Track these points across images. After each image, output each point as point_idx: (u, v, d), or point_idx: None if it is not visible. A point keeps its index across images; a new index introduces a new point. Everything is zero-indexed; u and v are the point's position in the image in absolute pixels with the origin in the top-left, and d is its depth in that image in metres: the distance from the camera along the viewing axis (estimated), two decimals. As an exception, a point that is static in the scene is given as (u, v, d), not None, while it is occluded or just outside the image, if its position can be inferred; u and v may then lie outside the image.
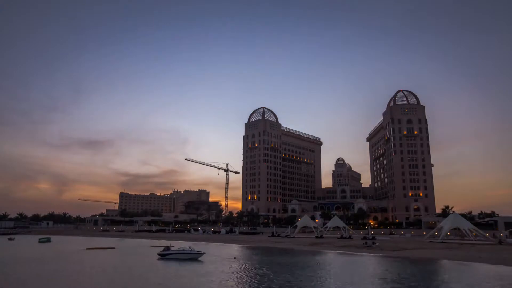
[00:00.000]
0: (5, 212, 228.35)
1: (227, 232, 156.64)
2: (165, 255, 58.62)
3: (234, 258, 60.11)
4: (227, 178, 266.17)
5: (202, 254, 58.34)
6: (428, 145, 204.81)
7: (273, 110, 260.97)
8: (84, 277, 38.64)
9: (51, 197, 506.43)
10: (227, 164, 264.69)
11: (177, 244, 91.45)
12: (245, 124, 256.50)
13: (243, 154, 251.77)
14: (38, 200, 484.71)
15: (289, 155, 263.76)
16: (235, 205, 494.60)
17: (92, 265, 49.28)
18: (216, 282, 34.93)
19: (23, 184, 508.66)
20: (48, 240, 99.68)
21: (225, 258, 60.04)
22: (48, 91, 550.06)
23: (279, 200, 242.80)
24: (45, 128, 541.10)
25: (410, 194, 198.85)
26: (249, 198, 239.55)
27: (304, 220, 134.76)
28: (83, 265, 49.67)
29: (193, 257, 57.06)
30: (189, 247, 60.51)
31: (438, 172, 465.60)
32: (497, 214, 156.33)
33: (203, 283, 35.17)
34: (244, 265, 50.56)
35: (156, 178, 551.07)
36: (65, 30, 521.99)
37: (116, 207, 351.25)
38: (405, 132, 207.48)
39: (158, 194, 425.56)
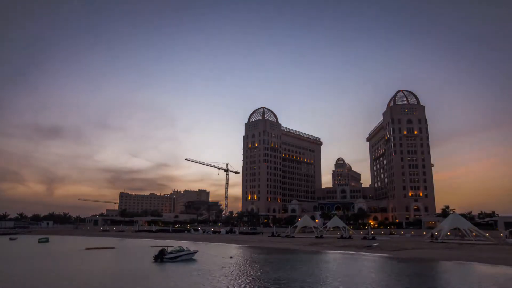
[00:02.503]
0: (5, 212, 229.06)
1: (227, 232, 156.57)
2: (171, 258, 51.45)
3: (231, 257, 60.10)
4: (227, 178, 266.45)
5: (195, 252, 57.67)
6: (428, 145, 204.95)
7: (273, 110, 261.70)
8: (84, 277, 38.57)
9: (42, 195, 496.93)
10: (227, 164, 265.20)
11: (177, 244, 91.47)
12: (245, 124, 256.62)
13: (243, 154, 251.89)
14: (28, 200, 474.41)
15: (289, 155, 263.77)
16: (235, 205, 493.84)
17: (93, 265, 49.25)
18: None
19: (8, 181, 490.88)
20: (47, 240, 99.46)
21: (223, 257, 60.06)
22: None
23: (279, 200, 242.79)
24: (12, 112, 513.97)
25: (410, 194, 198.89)
26: (249, 198, 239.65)
27: (304, 220, 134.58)
28: (84, 265, 49.59)
29: (189, 257, 55.50)
30: (186, 247, 57.97)
31: (438, 171, 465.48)
32: (497, 214, 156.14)
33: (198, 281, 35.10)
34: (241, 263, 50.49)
35: (148, 172, 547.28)
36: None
37: (116, 207, 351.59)
38: (405, 132, 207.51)
39: (158, 194, 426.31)
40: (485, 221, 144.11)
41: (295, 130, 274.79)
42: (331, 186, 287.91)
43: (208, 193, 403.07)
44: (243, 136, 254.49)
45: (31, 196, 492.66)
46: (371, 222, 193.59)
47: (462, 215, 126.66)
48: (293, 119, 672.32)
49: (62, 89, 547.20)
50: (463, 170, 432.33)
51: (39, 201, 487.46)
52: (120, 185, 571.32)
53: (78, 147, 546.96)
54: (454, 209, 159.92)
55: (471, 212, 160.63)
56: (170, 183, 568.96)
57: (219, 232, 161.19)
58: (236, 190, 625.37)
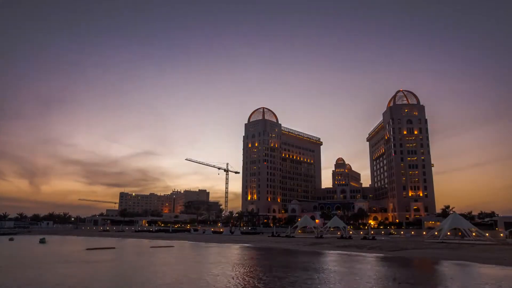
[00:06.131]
0: (5, 212, 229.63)
1: (230, 232, 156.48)
2: None
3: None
4: (227, 178, 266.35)
5: None
6: (428, 145, 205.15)
7: (273, 110, 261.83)
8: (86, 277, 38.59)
9: (29, 192, 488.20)
10: (227, 164, 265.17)
11: (177, 244, 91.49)
12: (245, 124, 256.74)
13: (243, 154, 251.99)
14: (19, 198, 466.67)
15: (289, 155, 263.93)
16: (235, 202, 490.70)
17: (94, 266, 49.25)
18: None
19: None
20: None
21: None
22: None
23: (279, 200, 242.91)
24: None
25: (410, 194, 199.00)
26: (249, 198, 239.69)
27: (304, 220, 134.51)
28: (86, 265, 49.60)
29: None
30: None
31: (438, 171, 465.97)
32: (497, 214, 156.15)
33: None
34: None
35: (135, 162, 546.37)
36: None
37: (116, 207, 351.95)
38: (405, 132, 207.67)
39: (158, 194, 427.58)
40: (485, 221, 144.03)
41: (295, 130, 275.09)
42: (331, 186, 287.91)
43: (208, 193, 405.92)
44: (243, 136, 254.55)
45: (18, 193, 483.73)
46: (371, 222, 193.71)
47: (462, 215, 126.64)
48: (293, 119, 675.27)
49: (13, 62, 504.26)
50: (463, 170, 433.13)
51: (33, 200, 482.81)
52: (108, 179, 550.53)
53: (43, 129, 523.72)
54: (454, 207, 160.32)
55: (471, 212, 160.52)
56: (164, 177, 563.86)
57: (220, 232, 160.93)
58: (235, 185, 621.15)
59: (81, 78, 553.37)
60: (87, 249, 73.96)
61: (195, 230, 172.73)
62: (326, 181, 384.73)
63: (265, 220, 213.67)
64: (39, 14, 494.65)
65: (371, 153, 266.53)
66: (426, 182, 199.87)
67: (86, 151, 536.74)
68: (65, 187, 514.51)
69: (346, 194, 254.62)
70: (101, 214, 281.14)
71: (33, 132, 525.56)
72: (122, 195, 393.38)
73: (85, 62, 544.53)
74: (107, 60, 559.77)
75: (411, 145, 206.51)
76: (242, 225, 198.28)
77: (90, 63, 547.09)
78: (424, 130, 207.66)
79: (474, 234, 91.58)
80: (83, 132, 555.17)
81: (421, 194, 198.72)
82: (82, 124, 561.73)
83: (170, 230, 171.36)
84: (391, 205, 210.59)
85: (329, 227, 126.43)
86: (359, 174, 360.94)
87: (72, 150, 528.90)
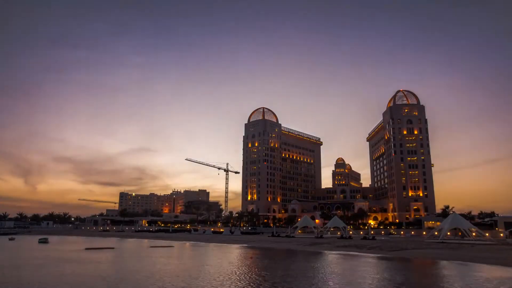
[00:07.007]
0: (5, 212, 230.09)
1: (230, 232, 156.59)
2: None
3: (251, 258, 60.19)
4: (227, 178, 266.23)
5: None
6: (428, 145, 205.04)
7: (273, 110, 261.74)
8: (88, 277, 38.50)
9: (25, 191, 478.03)
10: (227, 164, 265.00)
11: (177, 245, 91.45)
12: (245, 124, 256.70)
13: (243, 154, 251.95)
14: (15, 197, 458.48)
15: (289, 155, 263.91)
16: (234, 201, 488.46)
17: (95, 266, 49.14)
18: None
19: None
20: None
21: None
22: None
23: (279, 200, 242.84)
24: None
25: (410, 194, 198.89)
26: (249, 198, 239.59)
27: (304, 220, 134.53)
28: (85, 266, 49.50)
29: None
30: None
31: (438, 171, 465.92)
32: (497, 214, 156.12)
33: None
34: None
35: (130, 159, 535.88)
36: None
37: (116, 207, 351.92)
38: (405, 132, 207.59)
39: (158, 194, 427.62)
40: (485, 221, 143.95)
41: (295, 130, 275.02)
42: (331, 186, 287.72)
43: (208, 193, 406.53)
44: (243, 136, 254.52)
45: (14, 192, 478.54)
46: (371, 222, 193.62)
47: (462, 215, 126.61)
48: (293, 119, 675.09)
49: None
50: (463, 170, 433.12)
51: (31, 199, 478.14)
52: (104, 178, 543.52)
53: (35, 125, 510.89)
54: (454, 207, 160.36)
55: (471, 212, 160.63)
56: (162, 175, 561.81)
57: (220, 232, 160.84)
58: (235, 184, 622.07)
59: (75, 73, 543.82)
60: (86, 249, 73.94)
61: (195, 230, 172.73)
62: (326, 181, 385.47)
63: (265, 220, 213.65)
64: (30, 7, 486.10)
65: (371, 153, 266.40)
66: (426, 182, 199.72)
67: (79, 147, 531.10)
68: (61, 186, 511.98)
69: (346, 194, 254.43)
70: (101, 214, 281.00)
71: (25, 128, 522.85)
72: (122, 195, 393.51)
73: (77, 54, 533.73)
74: (103, 55, 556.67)
75: (411, 145, 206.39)
76: (242, 225, 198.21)
77: (82, 56, 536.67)
78: (424, 130, 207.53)
79: (474, 234, 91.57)
80: (78, 129, 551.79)
81: (421, 194, 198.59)
82: (76, 121, 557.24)
83: (170, 230, 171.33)
84: (391, 205, 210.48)
85: (329, 227, 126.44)
86: (359, 174, 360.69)
87: (65, 147, 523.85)
